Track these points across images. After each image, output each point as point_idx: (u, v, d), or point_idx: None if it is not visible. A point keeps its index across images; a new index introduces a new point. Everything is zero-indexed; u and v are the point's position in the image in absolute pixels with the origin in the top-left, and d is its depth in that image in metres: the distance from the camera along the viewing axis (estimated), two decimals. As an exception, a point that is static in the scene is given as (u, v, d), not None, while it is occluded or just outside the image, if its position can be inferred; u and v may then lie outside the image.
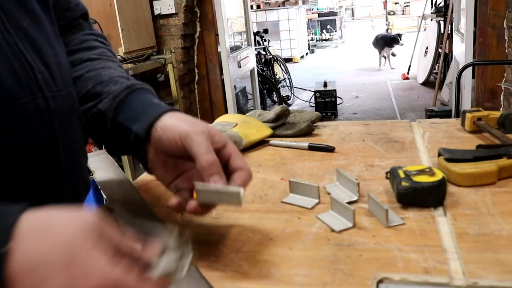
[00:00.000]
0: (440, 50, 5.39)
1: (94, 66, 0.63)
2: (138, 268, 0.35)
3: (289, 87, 5.95)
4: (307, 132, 0.96)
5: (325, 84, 4.86)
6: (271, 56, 5.66)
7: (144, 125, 0.54)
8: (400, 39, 7.12)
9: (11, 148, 0.49)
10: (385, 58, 7.69)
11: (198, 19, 3.48)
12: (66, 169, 0.56)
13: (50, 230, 0.33)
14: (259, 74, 4.69)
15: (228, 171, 0.52)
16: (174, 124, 0.52)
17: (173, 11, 3.21)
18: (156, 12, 3.23)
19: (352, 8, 17.39)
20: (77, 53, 0.65)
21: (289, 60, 8.85)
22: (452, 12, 4.13)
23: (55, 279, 0.31)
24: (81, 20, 0.70)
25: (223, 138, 0.53)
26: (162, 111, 0.54)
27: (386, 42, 7.24)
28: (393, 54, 7.44)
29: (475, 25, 2.92)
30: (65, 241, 0.32)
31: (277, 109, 0.98)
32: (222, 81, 3.52)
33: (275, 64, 5.73)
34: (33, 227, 0.33)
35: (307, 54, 10.51)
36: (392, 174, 0.63)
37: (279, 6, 9.50)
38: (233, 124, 0.94)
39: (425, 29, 6.70)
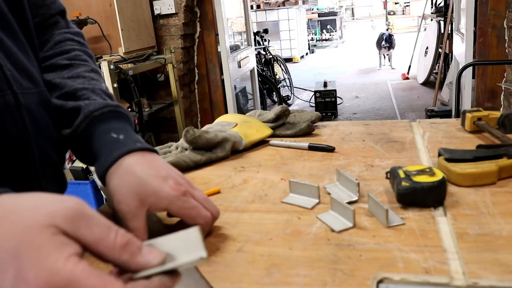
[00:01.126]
0: (440, 50, 5.39)
1: (63, 75, 0.62)
2: (116, 270, 0.32)
3: (289, 87, 5.95)
4: (307, 132, 0.96)
5: (325, 84, 4.86)
6: (271, 56, 5.66)
7: (101, 170, 0.53)
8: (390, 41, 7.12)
9: None
10: (385, 57, 7.69)
11: (198, 19, 3.48)
12: (40, 165, 0.55)
13: (9, 217, 0.30)
14: (259, 74, 4.69)
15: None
16: (115, 190, 0.51)
17: (173, 11, 3.21)
18: (156, 12, 3.23)
19: (352, 8, 17.38)
20: (49, 59, 0.64)
21: (289, 60, 8.85)
22: (452, 12, 4.13)
23: (7, 271, 0.28)
24: (58, 18, 0.68)
25: (160, 207, 0.50)
26: (112, 161, 0.52)
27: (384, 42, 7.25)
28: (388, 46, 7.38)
29: (475, 25, 2.92)
30: (18, 226, 0.30)
31: (277, 109, 0.98)
32: (222, 81, 3.52)
33: (275, 64, 5.73)
34: None
35: (307, 54, 10.51)
36: (392, 174, 0.63)
37: (279, 6, 9.50)
38: (233, 124, 0.94)
39: (425, 29, 6.70)
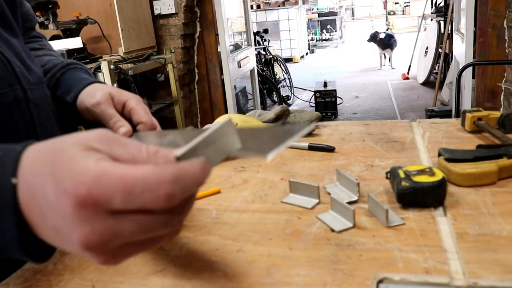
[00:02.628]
0: (440, 50, 5.39)
1: (37, 53, 0.74)
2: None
3: (289, 87, 5.95)
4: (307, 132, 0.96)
5: (325, 84, 4.85)
6: (271, 56, 5.66)
7: (72, 95, 0.64)
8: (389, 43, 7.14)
9: None
10: (385, 57, 7.70)
11: (198, 19, 3.48)
12: None
13: (44, 150, 0.32)
14: (259, 74, 4.69)
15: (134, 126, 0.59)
16: (87, 95, 0.63)
17: (173, 11, 3.21)
18: (156, 12, 3.23)
19: (352, 8, 17.39)
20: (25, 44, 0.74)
21: (289, 60, 8.85)
22: (452, 12, 4.13)
23: (48, 191, 0.29)
24: (33, 31, 0.82)
25: (122, 98, 0.61)
26: (86, 83, 0.65)
27: (383, 43, 7.27)
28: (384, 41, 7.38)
29: (475, 25, 2.92)
30: (53, 151, 0.31)
31: (277, 109, 0.98)
32: (222, 81, 3.52)
33: (275, 64, 5.73)
34: (31, 154, 0.32)
35: (307, 54, 10.51)
36: (392, 174, 0.63)
37: (279, 6, 9.50)
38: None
39: (425, 29, 6.70)
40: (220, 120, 0.33)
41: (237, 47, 4.03)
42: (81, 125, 0.68)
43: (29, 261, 0.32)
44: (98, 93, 0.62)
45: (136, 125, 0.60)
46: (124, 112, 0.61)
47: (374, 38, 7.28)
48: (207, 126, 1.01)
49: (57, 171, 0.29)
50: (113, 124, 0.59)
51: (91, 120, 0.63)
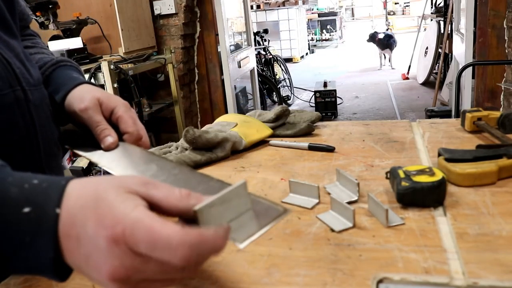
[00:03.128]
0: (440, 50, 5.39)
1: (30, 51, 0.74)
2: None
3: (289, 87, 5.95)
4: (307, 132, 0.96)
5: (325, 84, 4.85)
6: (271, 56, 5.66)
7: (61, 95, 0.64)
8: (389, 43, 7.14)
9: None
10: (385, 57, 7.70)
11: (198, 19, 3.48)
12: (44, 157, 0.62)
13: (87, 187, 0.36)
14: (259, 74, 4.69)
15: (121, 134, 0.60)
16: (76, 98, 0.63)
17: (173, 11, 3.21)
18: (156, 12, 3.23)
19: (352, 8, 17.38)
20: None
21: (289, 60, 8.85)
22: (452, 12, 4.13)
23: (88, 225, 0.33)
24: (28, 29, 0.82)
25: (111, 105, 0.62)
26: (75, 83, 0.65)
27: (382, 43, 7.27)
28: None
29: (475, 25, 2.92)
30: (96, 191, 0.35)
31: (277, 109, 0.98)
32: (222, 81, 3.52)
33: (275, 64, 5.73)
34: (74, 189, 0.36)
35: (307, 54, 10.51)
36: (392, 174, 0.63)
37: (279, 6, 9.50)
38: (233, 124, 0.94)
39: (425, 29, 6.70)
40: (237, 182, 0.37)
41: (237, 47, 4.03)
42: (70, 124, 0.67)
43: (55, 280, 0.36)
44: (87, 97, 0.61)
45: (123, 134, 0.60)
46: (111, 119, 0.61)
47: (373, 38, 7.28)
48: (207, 126, 1.01)
49: (99, 208, 0.34)
50: (100, 131, 0.59)
51: (79, 123, 0.63)
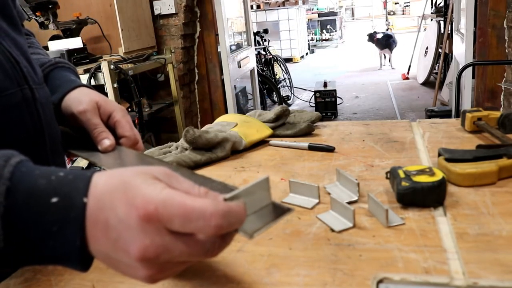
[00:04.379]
0: (440, 50, 5.39)
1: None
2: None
3: (289, 87, 5.95)
4: (307, 132, 0.96)
5: (325, 84, 4.85)
6: (271, 56, 5.66)
7: (58, 96, 0.65)
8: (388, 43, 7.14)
9: (1, 135, 0.55)
10: (385, 57, 7.70)
11: (198, 19, 3.47)
12: (51, 154, 0.62)
13: (114, 176, 0.37)
14: (259, 74, 4.69)
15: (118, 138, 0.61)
16: (73, 100, 0.64)
17: (173, 11, 3.21)
18: (156, 12, 3.22)
19: (352, 8, 17.37)
20: None
21: (289, 60, 8.85)
22: (452, 12, 4.13)
23: (118, 207, 0.35)
24: (23, 28, 0.82)
25: (109, 108, 0.63)
26: (73, 86, 0.66)
27: (381, 43, 7.27)
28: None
29: (475, 25, 2.92)
30: (123, 176, 0.36)
31: (277, 109, 0.98)
32: (222, 81, 3.52)
33: (275, 64, 5.73)
34: (101, 179, 0.37)
35: (307, 54, 10.51)
36: (392, 174, 0.63)
37: (279, 6, 9.50)
38: (233, 124, 0.94)
39: (425, 29, 6.70)
40: (260, 177, 0.39)
41: (237, 47, 4.03)
42: (64, 127, 0.68)
43: (77, 269, 0.37)
44: (85, 100, 0.63)
45: (120, 138, 0.61)
46: (108, 123, 0.63)
47: (371, 38, 7.28)
48: (207, 126, 1.01)
49: (129, 191, 0.35)
50: (97, 134, 0.60)
51: (75, 125, 0.64)
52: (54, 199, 0.35)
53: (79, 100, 0.63)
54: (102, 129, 0.61)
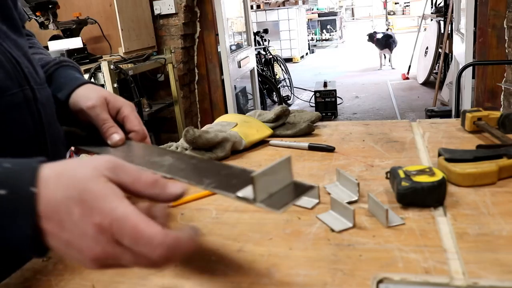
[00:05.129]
0: (440, 50, 5.39)
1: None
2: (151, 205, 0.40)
3: (289, 87, 5.95)
4: (307, 132, 0.96)
5: (325, 84, 4.85)
6: (271, 56, 5.66)
7: (65, 93, 0.66)
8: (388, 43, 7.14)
9: (2, 135, 0.55)
10: (385, 57, 7.70)
11: (198, 19, 3.47)
12: (51, 155, 0.63)
13: (64, 174, 0.37)
14: (259, 74, 4.69)
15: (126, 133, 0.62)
16: (82, 96, 0.65)
17: (173, 11, 3.21)
18: (156, 12, 3.22)
19: (352, 8, 17.37)
20: None
21: (289, 60, 8.85)
22: (452, 12, 4.13)
23: (73, 212, 0.36)
24: (24, 29, 0.82)
25: (117, 104, 0.64)
26: (80, 83, 0.67)
27: (381, 43, 7.27)
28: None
29: (475, 25, 2.92)
30: (77, 179, 0.37)
31: (277, 109, 0.98)
32: (222, 81, 3.52)
33: (275, 64, 5.73)
34: (50, 174, 0.37)
35: (307, 54, 10.51)
36: (392, 174, 0.63)
37: (279, 6, 9.49)
38: (233, 124, 0.94)
39: (425, 29, 6.70)
40: (283, 156, 0.41)
41: (237, 47, 4.03)
42: (72, 124, 0.68)
43: (32, 256, 0.39)
44: (93, 96, 0.63)
45: (128, 132, 0.62)
46: (117, 118, 0.63)
47: (371, 38, 7.28)
48: (207, 126, 1.01)
49: (86, 200, 0.36)
50: (107, 129, 0.61)
51: (83, 121, 0.64)
52: (2, 192, 0.36)
53: (88, 96, 0.64)
54: (111, 124, 0.61)
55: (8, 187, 0.36)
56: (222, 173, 0.44)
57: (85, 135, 0.66)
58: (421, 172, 0.60)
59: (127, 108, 0.64)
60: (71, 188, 0.36)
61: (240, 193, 0.40)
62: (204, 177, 0.44)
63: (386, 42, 7.23)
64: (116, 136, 0.60)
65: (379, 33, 7.45)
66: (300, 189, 0.41)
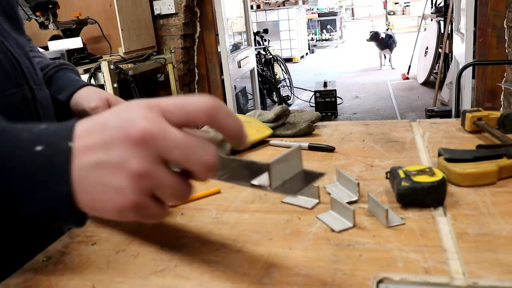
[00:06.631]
0: (440, 50, 5.39)
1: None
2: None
3: (289, 87, 5.95)
4: (307, 132, 0.96)
5: (325, 84, 4.85)
6: (271, 56, 5.66)
7: (66, 95, 0.68)
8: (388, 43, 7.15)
9: None
10: (385, 57, 7.70)
11: (198, 19, 3.48)
12: None
13: (95, 116, 0.38)
14: (259, 74, 4.69)
15: None
16: (84, 97, 0.67)
17: (173, 11, 3.21)
18: (156, 12, 3.23)
19: (352, 8, 17.37)
20: None
21: (289, 60, 8.85)
22: (452, 12, 4.13)
23: (110, 126, 0.35)
24: None
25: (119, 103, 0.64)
26: (81, 85, 0.69)
27: (383, 43, 7.27)
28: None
29: (475, 25, 2.92)
30: (113, 110, 0.37)
31: (277, 109, 0.98)
32: (222, 81, 3.52)
33: (275, 64, 5.73)
34: (85, 128, 0.37)
35: (307, 54, 10.51)
36: (392, 174, 0.63)
37: (279, 6, 9.50)
38: (233, 124, 0.94)
39: (425, 29, 6.70)
40: (293, 146, 0.43)
41: (237, 47, 4.03)
42: None
43: (71, 224, 0.37)
44: (95, 97, 0.65)
45: None
46: None
47: (375, 38, 7.27)
48: (207, 126, 1.01)
49: (123, 114, 0.36)
50: None
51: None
52: (39, 147, 0.35)
53: (90, 97, 0.65)
54: None
55: (44, 143, 0.35)
56: (232, 165, 0.45)
57: None
58: (421, 172, 0.60)
59: None
60: (108, 113, 0.37)
61: (255, 181, 0.41)
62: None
63: (386, 42, 7.24)
64: None
65: (382, 32, 7.45)
66: (310, 176, 0.43)
